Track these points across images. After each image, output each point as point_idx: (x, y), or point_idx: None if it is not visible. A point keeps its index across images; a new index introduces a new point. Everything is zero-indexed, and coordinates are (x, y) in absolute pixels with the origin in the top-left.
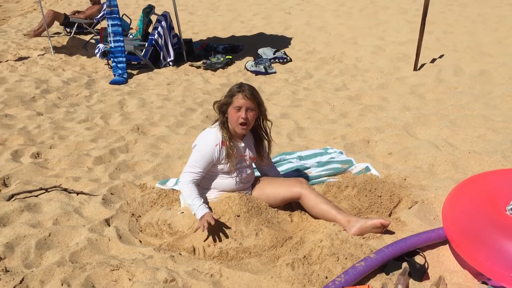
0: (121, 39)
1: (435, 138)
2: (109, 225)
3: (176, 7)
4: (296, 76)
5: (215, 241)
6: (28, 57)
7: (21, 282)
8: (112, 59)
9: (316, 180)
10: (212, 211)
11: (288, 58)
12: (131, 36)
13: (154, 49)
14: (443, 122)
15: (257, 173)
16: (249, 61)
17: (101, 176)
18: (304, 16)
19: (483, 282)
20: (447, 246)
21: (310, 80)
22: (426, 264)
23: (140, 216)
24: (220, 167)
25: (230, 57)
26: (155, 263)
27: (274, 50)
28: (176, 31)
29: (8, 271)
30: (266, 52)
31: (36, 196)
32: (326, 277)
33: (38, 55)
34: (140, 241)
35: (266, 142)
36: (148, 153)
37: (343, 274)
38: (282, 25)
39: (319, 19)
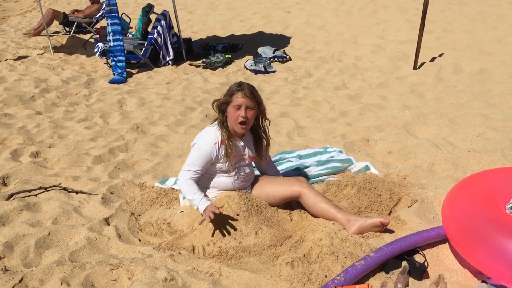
0: (121, 38)
1: (435, 137)
2: (109, 224)
3: (175, 6)
4: (295, 75)
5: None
6: (28, 56)
7: (20, 281)
8: (111, 58)
9: (316, 179)
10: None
11: (287, 57)
12: (130, 35)
13: (153, 48)
14: (443, 121)
15: (256, 172)
16: (248, 60)
17: (101, 175)
18: (304, 15)
19: (483, 281)
20: (446, 244)
21: (310, 79)
22: (425, 262)
23: (139, 215)
24: (219, 166)
25: (230, 56)
26: (154, 262)
27: (273, 49)
28: (176, 30)
29: (8, 270)
30: (265, 51)
31: (36, 195)
32: (326, 276)
33: (37, 54)
34: (140, 240)
35: (265, 141)
36: (147, 152)
37: (342, 273)
38: (282, 24)
39: (319, 18)
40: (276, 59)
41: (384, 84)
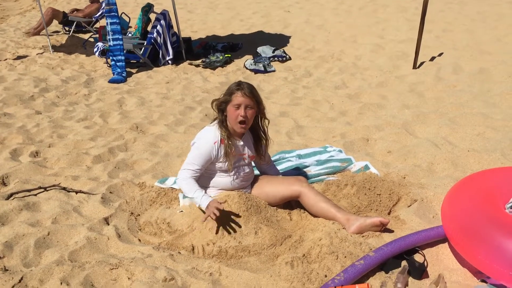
0: (120, 37)
1: (434, 136)
2: (108, 224)
3: (175, 6)
4: (295, 75)
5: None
6: (27, 56)
7: (20, 281)
8: (111, 57)
9: (316, 178)
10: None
11: (287, 56)
12: (130, 35)
13: (153, 47)
14: (442, 120)
15: (256, 172)
16: (248, 60)
17: (100, 174)
18: (304, 15)
19: (483, 280)
20: (446, 244)
21: (310, 78)
22: (425, 262)
23: (139, 214)
24: (218, 165)
25: (229, 55)
26: (154, 262)
27: (273, 48)
28: (175, 29)
29: (7, 270)
30: (265, 50)
31: (35, 195)
32: (326, 276)
33: (37, 54)
34: (139, 240)
35: (264, 141)
36: (147, 151)
37: (342, 273)
38: (281, 24)
39: (319, 17)
40: (275, 58)
41: (383, 83)
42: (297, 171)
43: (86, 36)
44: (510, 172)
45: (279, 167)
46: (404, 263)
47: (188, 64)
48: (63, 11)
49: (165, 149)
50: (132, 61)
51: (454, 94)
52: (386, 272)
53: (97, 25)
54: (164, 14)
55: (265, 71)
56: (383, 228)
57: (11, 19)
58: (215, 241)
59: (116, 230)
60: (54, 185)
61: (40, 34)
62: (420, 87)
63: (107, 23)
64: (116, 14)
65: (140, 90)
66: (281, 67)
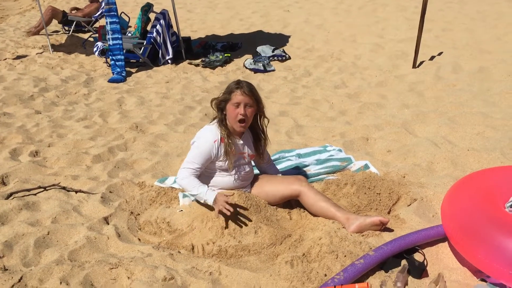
0: (120, 37)
1: (434, 136)
2: (108, 223)
3: (174, 5)
4: (295, 74)
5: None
6: (27, 56)
7: (19, 280)
8: (110, 57)
9: (315, 177)
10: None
11: (287, 56)
12: (129, 34)
13: (152, 47)
14: (442, 120)
15: (256, 171)
16: (247, 59)
17: (100, 174)
18: (303, 14)
19: (482, 280)
20: (446, 243)
21: (309, 78)
22: (425, 261)
23: (139, 214)
24: (218, 164)
25: (229, 55)
26: (154, 261)
27: (273, 48)
28: (175, 29)
29: (7, 269)
30: (265, 50)
31: (35, 194)
32: (325, 275)
33: (36, 54)
34: (139, 239)
35: (263, 140)
36: (146, 151)
37: (342, 272)
38: (281, 23)
39: (318, 17)
40: (275, 58)
41: (383, 82)
42: (297, 171)
43: (85, 36)
44: (509, 171)
45: (278, 166)
46: (404, 262)
47: (188, 63)
48: (63, 10)
49: (164, 149)
50: (131, 60)
51: (454, 93)
52: (386, 271)
53: (97, 24)
54: (163, 14)
55: (264, 71)
56: (383, 227)
57: (11, 19)
58: (214, 241)
59: (116, 229)
60: (53, 185)
61: (40, 33)
62: (420, 86)
63: (106, 23)
64: (115, 13)
65: (140, 89)
66: (281, 66)
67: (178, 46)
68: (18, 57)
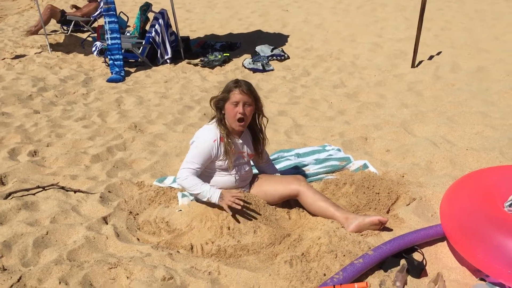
0: (118, 36)
1: (433, 135)
2: (107, 223)
3: (173, 5)
4: (293, 74)
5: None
6: (25, 55)
7: (18, 280)
8: (109, 56)
9: (314, 177)
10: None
11: (285, 55)
12: (128, 34)
13: (151, 46)
14: (441, 119)
15: (255, 171)
16: (246, 59)
17: (99, 174)
18: (302, 14)
19: (481, 279)
20: (445, 243)
21: (308, 77)
22: (424, 261)
23: (138, 214)
24: (218, 163)
25: (228, 54)
26: (153, 261)
27: (271, 47)
28: (174, 28)
29: (6, 269)
30: (263, 49)
31: (34, 194)
32: (324, 274)
33: (35, 53)
34: (138, 239)
35: (261, 140)
36: (145, 151)
37: (341, 271)
38: (280, 23)
39: (317, 16)
40: (274, 57)
41: (382, 82)
42: (296, 170)
43: (84, 36)
44: (508, 171)
45: (277, 166)
46: (403, 261)
47: (187, 63)
48: (62, 9)
49: (163, 148)
50: (130, 60)
51: (453, 93)
52: (385, 271)
53: (95, 24)
54: (162, 13)
55: (263, 70)
56: (382, 226)
57: (9, 19)
58: (213, 240)
59: (114, 229)
60: (52, 185)
61: (38, 33)
62: (419, 86)
63: (105, 22)
64: (114, 13)
65: (139, 89)
66: (280, 66)
67: (177, 45)
68: (17, 57)
